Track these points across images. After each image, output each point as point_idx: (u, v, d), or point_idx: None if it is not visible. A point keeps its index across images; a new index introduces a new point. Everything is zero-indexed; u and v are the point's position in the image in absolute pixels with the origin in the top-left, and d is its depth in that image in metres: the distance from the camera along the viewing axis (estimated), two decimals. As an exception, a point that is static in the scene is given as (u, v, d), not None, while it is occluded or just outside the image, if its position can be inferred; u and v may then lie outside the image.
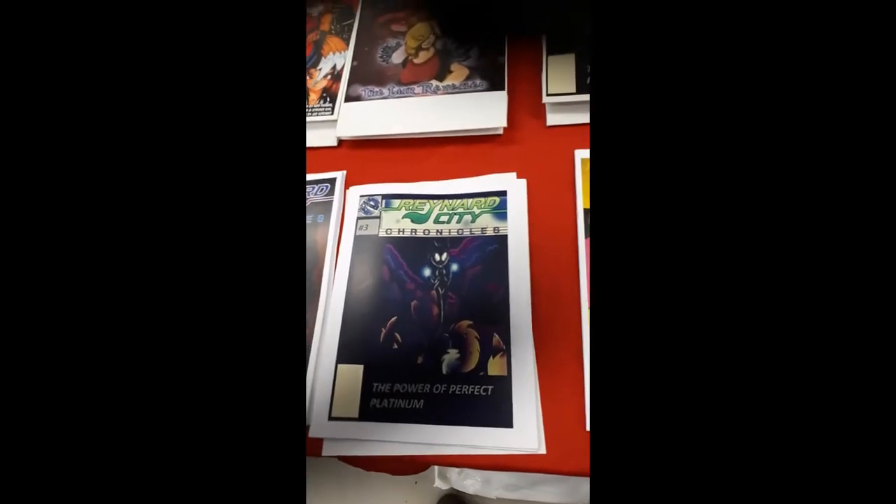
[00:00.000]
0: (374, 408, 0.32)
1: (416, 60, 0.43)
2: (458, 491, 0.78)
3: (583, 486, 0.64)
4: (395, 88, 0.42)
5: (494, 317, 0.34)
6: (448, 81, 0.42)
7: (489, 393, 0.32)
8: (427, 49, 0.43)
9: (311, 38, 0.47)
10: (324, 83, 0.44)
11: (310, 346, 0.35)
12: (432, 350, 0.34)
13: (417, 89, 0.42)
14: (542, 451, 0.31)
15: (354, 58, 0.45)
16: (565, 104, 0.39)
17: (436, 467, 0.74)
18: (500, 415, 0.31)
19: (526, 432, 0.31)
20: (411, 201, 0.39)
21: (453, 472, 0.74)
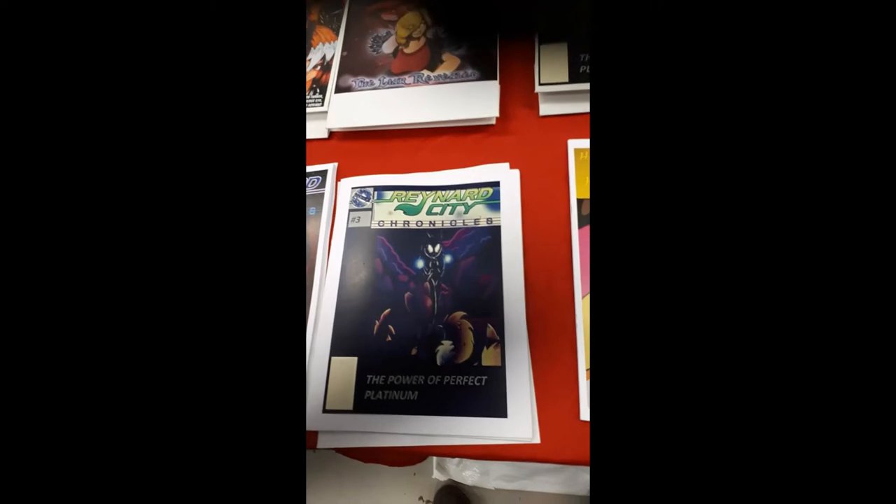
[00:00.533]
0: (368, 400, 0.32)
1: (406, 50, 0.43)
2: (457, 482, 0.79)
3: (580, 475, 0.64)
4: (386, 79, 0.42)
5: (488, 308, 0.34)
6: (439, 71, 0.41)
7: (483, 383, 0.32)
8: (418, 38, 0.43)
9: (300, 28, 0.46)
10: (313, 74, 0.44)
11: (303, 339, 0.35)
12: (426, 342, 0.33)
13: (409, 79, 0.41)
14: (537, 440, 0.31)
15: (344, 48, 0.44)
16: (558, 93, 0.39)
17: (434, 459, 0.74)
18: (494, 405, 0.31)
19: (520, 422, 0.31)
20: (404, 193, 0.39)
21: (451, 464, 0.74)
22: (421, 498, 0.82)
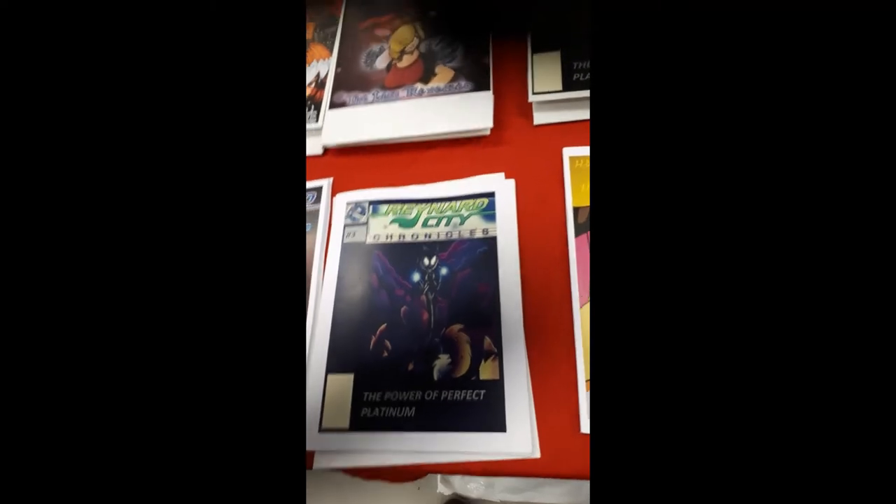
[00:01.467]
0: (365, 417, 0.32)
1: (399, 64, 0.43)
2: (462, 496, 0.77)
3: (585, 486, 0.63)
4: (380, 93, 0.42)
5: (485, 319, 0.34)
6: (433, 84, 0.41)
7: (481, 397, 0.31)
8: (411, 52, 0.43)
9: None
10: (308, 91, 0.44)
11: (300, 356, 0.35)
12: (423, 356, 0.33)
13: (402, 93, 0.41)
14: (537, 454, 0.30)
15: (338, 64, 0.45)
16: (552, 102, 0.39)
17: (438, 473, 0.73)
18: (493, 419, 0.31)
19: (519, 436, 0.30)
20: (399, 206, 0.39)
21: (456, 477, 0.73)
22: (426, 512, 0.81)
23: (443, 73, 0.42)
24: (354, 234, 0.38)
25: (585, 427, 0.30)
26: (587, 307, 0.33)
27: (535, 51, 0.40)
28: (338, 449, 0.32)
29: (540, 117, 0.40)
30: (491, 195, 0.38)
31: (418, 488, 0.83)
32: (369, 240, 0.38)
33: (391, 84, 0.42)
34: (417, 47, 0.43)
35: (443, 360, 0.33)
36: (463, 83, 0.41)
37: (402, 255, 0.37)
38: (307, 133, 0.42)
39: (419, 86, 0.41)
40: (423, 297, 0.35)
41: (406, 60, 0.43)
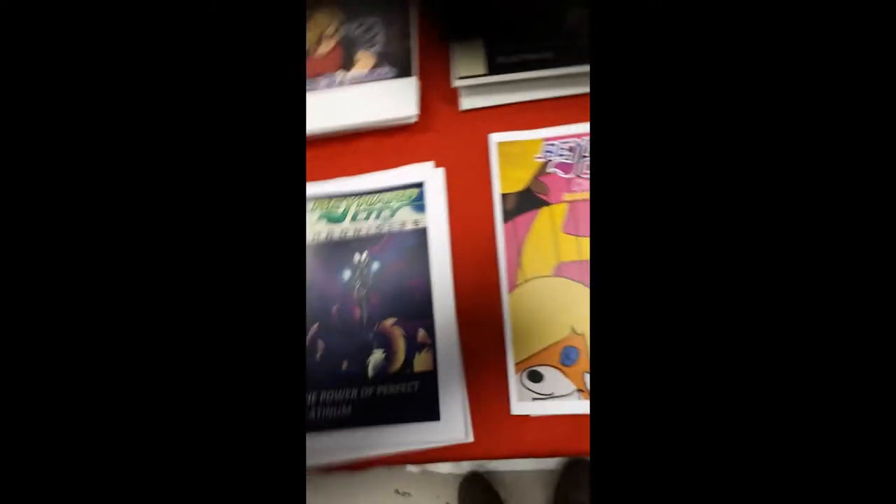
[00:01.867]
0: (301, 418, 0.32)
1: (318, 51, 0.41)
2: (476, 472, 0.80)
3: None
4: (299, 83, 0.40)
5: (418, 312, 0.34)
6: (354, 71, 0.40)
7: (415, 389, 0.32)
8: (329, 38, 0.41)
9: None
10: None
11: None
12: (357, 354, 0.33)
13: (322, 82, 0.40)
14: (470, 438, 0.31)
15: (254, 52, 0.42)
16: (478, 87, 0.38)
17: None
18: (427, 409, 0.31)
19: (453, 423, 0.31)
20: (326, 201, 0.38)
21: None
22: (397, 490, 0.83)
23: (364, 60, 0.40)
24: (281, 234, 0.37)
25: (516, 409, 0.32)
26: (516, 292, 0.34)
27: (454, 35, 0.39)
28: (274, 453, 0.32)
29: (466, 102, 0.39)
30: (420, 185, 0.38)
31: (389, 468, 0.85)
32: (297, 239, 0.37)
33: (310, 73, 0.40)
34: (336, 32, 0.41)
35: (377, 356, 0.33)
36: (386, 70, 0.39)
37: (331, 252, 0.36)
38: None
39: (339, 74, 0.40)
40: (355, 294, 0.35)
41: (324, 46, 0.41)
